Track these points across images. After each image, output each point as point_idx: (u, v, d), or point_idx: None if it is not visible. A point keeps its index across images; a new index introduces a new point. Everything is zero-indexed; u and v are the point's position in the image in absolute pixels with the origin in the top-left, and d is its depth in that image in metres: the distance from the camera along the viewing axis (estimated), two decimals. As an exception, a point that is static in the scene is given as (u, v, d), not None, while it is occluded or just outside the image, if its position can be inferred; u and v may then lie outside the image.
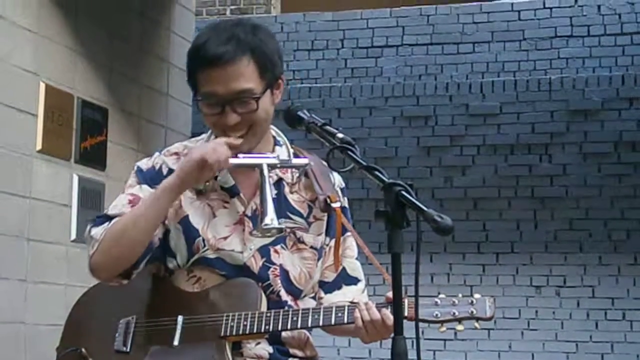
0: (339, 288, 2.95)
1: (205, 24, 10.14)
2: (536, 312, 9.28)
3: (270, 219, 2.62)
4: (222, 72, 2.70)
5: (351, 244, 3.00)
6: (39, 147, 5.54)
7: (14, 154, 5.36)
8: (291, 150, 2.91)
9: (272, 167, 2.72)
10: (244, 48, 2.72)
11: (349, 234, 2.97)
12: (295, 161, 2.79)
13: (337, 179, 2.98)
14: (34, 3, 5.59)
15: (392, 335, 2.23)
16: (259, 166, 2.70)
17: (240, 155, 2.71)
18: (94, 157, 6.04)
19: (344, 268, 2.97)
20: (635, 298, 9.11)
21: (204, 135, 2.94)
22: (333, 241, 2.91)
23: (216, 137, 2.83)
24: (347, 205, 3.00)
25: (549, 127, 9.48)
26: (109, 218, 2.79)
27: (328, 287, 2.95)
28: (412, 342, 2.17)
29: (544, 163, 9.46)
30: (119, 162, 6.16)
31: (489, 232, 9.49)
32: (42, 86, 5.59)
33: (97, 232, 2.77)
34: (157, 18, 6.87)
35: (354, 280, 2.98)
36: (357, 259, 3.01)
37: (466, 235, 9.31)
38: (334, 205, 2.84)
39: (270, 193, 2.66)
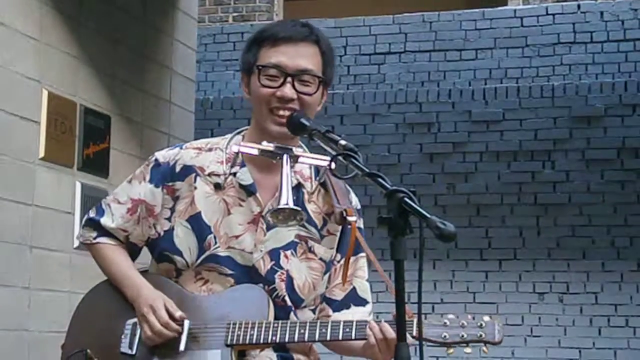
0: (348, 307, 2.93)
1: (207, 31, 10.16)
2: (539, 318, 9.27)
3: (286, 201, 2.56)
4: (293, 48, 2.78)
5: (363, 264, 2.98)
6: (41, 154, 5.54)
7: (16, 161, 5.37)
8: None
9: (294, 159, 2.70)
10: (316, 37, 2.83)
11: (362, 254, 2.95)
12: (316, 158, 2.72)
13: (354, 200, 2.97)
14: (37, 10, 5.59)
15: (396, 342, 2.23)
16: (281, 155, 2.67)
17: (264, 142, 2.70)
18: (97, 164, 6.04)
19: (354, 288, 2.95)
20: (638, 304, 9.11)
21: (228, 135, 2.94)
22: (344, 259, 2.88)
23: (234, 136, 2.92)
24: (362, 226, 2.98)
25: (552, 133, 9.48)
26: (101, 228, 2.98)
27: (337, 305, 2.93)
28: (415, 349, 2.17)
29: (547, 170, 9.46)
30: (122, 169, 6.15)
31: (491, 238, 9.49)
32: (45, 93, 5.59)
33: (84, 235, 3.04)
34: (159, 25, 6.88)
35: (363, 302, 2.96)
36: (367, 280, 2.99)
37: (469, 242, 9.31)
38: (350, 219, 2.83)
39: (289, 180, 2.62)
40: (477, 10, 10.19)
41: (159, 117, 6.77)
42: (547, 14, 9.95)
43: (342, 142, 2.56)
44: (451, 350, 2.70)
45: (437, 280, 9.39)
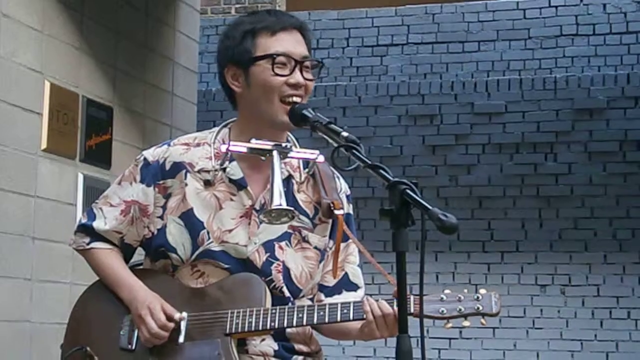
0: (339, 293, 2.94)
1: (210, 23, 10.15)
2: (541, 310, 9.28)
3: (279, 202, 2.55)
4: (291, 36, 2.82)
5: (354, 249, 2.99)
6: (43, 145, 5.54)
7: (18, 152, 5.37)
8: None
9: (283, 154, 2.69)
10: (301, 24, 2.88)
11: (351, 240, 2.96)
12: (305, 152, 2.74)
13: (343, 186, 2.98)
14: (39, 2, 5.59)
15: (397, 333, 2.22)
16: (270, 152, 2.65)
17: (253, 140, 2.68)
18: (99, 155, 6.04)
19: (346, 273, 2.96)
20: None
21: (214, 129, 2.94)
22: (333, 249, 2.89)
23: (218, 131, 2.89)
24: (351, 212, 2.99)
25: (554, 126, 9.48)
26: (94, 233, 2.93)
27: (329, 291, 2.94)
28: (417, 340, 2.17)
29: (549, 162, 9.46)
30: (124, 160, 6.15)
31: (494, 231, 9.49)
32: (47, 85, 5.59)
33: (77, 241, 2.99)
34: (162, 17, 6.87)
35: (354, 287, 2.97)
36: (358, 265, 3.01)
37: (471, 234, 9.31)
38: (336, 212, 2.84)
39: (280, 178, 2.61)
40: (479, 2, 10.18)
41: (161, 109, 6.77)
42: (550, 6, 9.94)
43: (344, 133, 2.55)
44: (449, 325, 2.70)
45: (439, 272, 9.39)
